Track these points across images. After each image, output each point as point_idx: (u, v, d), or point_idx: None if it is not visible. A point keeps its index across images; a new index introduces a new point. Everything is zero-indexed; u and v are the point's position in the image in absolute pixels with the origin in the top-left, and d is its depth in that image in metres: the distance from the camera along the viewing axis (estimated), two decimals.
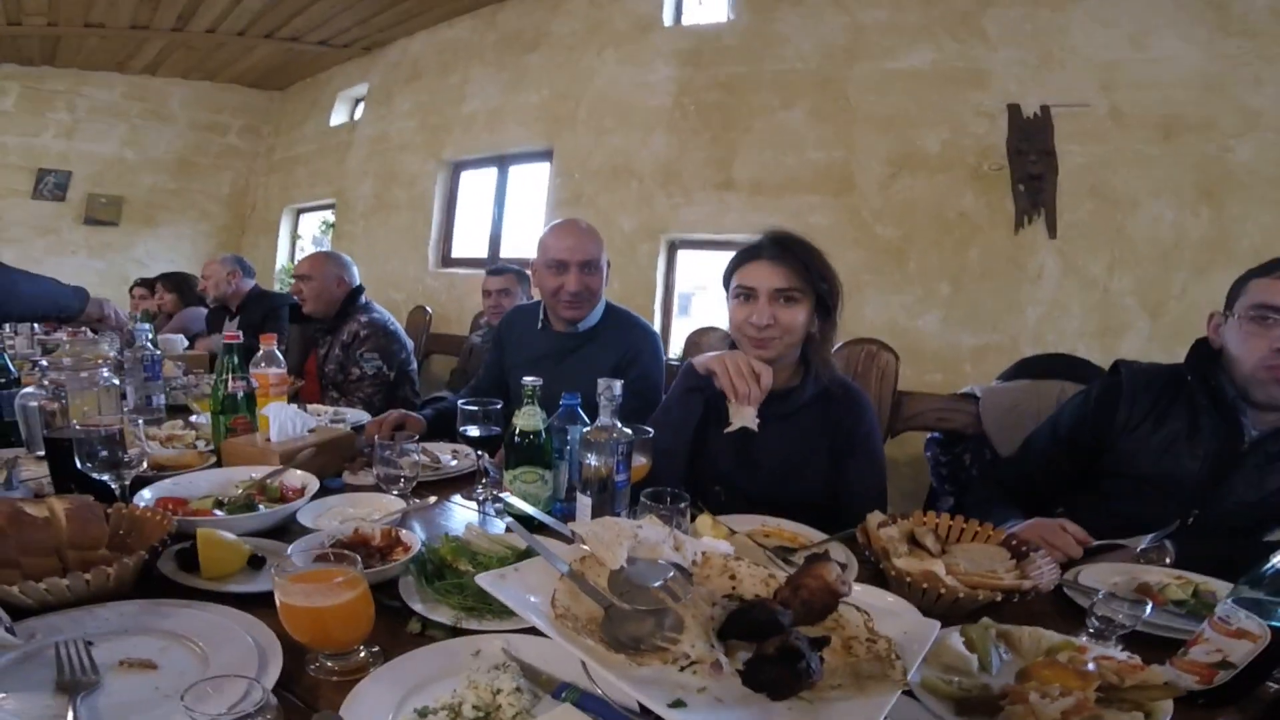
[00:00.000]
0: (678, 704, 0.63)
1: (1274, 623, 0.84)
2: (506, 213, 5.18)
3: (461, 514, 1.49)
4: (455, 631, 0.95)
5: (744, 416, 1.43)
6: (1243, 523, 1.44)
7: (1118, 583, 1.17)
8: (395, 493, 1.44)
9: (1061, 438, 1.61)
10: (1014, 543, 1.24)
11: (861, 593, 0.91)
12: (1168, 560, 1.32)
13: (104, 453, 1.23)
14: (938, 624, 0.78)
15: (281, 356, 1.85)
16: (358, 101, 6.37)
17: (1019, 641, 0.98)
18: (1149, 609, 0.98)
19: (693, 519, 1.25)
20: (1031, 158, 3.12)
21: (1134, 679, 0.84)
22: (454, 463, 1.78)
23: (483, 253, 5.23)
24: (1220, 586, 1.15)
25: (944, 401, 2.17)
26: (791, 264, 1.48)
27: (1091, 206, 3.07)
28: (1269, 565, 0.87)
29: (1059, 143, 3.10)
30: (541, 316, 2.14)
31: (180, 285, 4.56)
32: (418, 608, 1.00)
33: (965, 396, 2.11)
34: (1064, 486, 1.62)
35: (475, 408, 1.47)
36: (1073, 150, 3.09)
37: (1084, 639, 0.98)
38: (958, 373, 3.22)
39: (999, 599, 1.05)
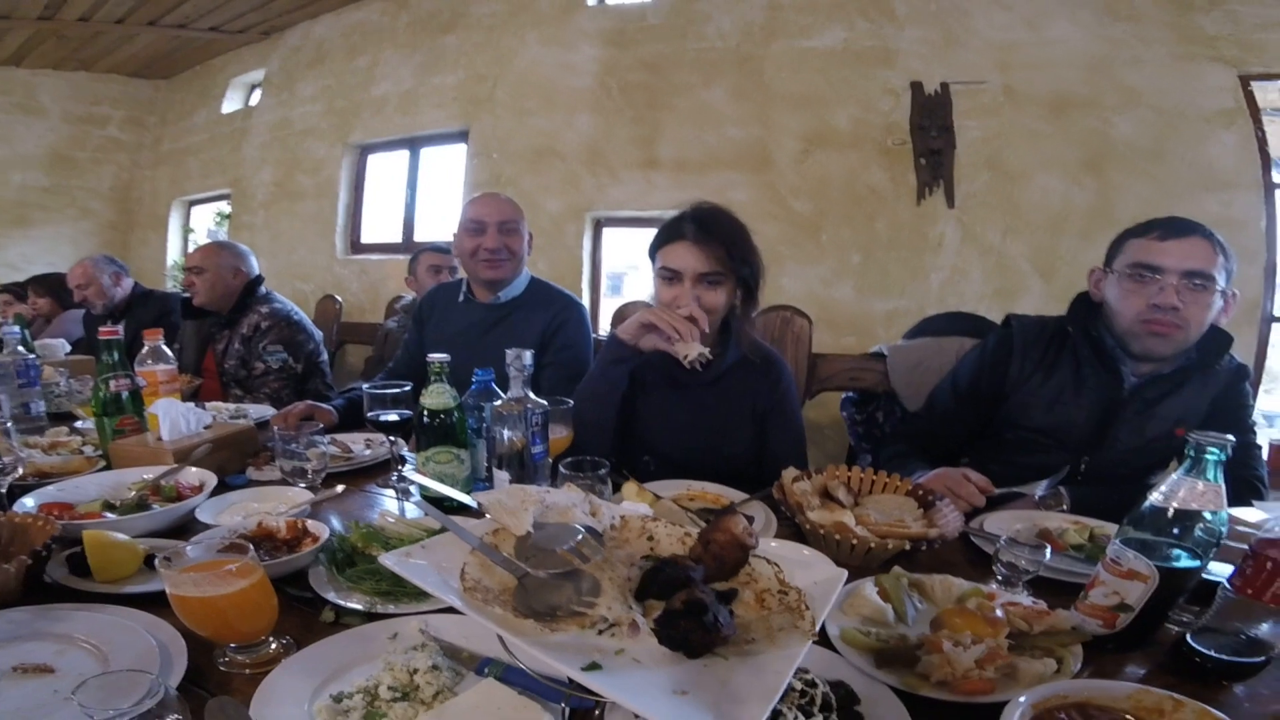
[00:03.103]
0: (593, 667, 0.61)
1: (1160, 562, 0.88)
2: (420, 196, 5.03)
3: (380, 504, 1.44)
4: (370, 617, 0.93)
5: (693, 349, 1.43)
6: (1130, 468, 1.55)
7: (1019, 529, 1.23)
8: (303, 485, 1.38)
9: (961, 392, 1.70)
10: (921, 493, 1.30)
11: (778, 547, 0.93)
12: (1064, 506, 1.41)
13: None
14: (845, 573, 0.79)
15: (171, 352, 1.72)
16: (254, 88, 6.00)
17: (931, 590, 1.03)
18: (1048, 553, 1.03)
19: (617, 488, 1.25)
20: (932, 133, 3.27)
21: (1042, 624, 0.89)
22: (367, 452, 1.71)
23: (396, 237, 5.06)
24: (1114, 531, 1.22)
25: (855, 362, 2.26)
26: (714, 248, 1.49)
27: (987, 178, 3.25)
28: (1147, 504, 0.91)
29: (957, 118, 3.27)
30: (465, 290, 2.11)
31: (55, 288, 4.14)
32: (330, 597, 0.97)
33: (874, 356, 2.20)
34: (966, 438, 1.71)
35: (383, 391, 1.42)
36: (970, 125, 3.26)
37: (993, 586, 1.03)
38: (871, 337, 3.36)
39: (908, 548, 1.10)
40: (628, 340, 1.52)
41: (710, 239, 1.49)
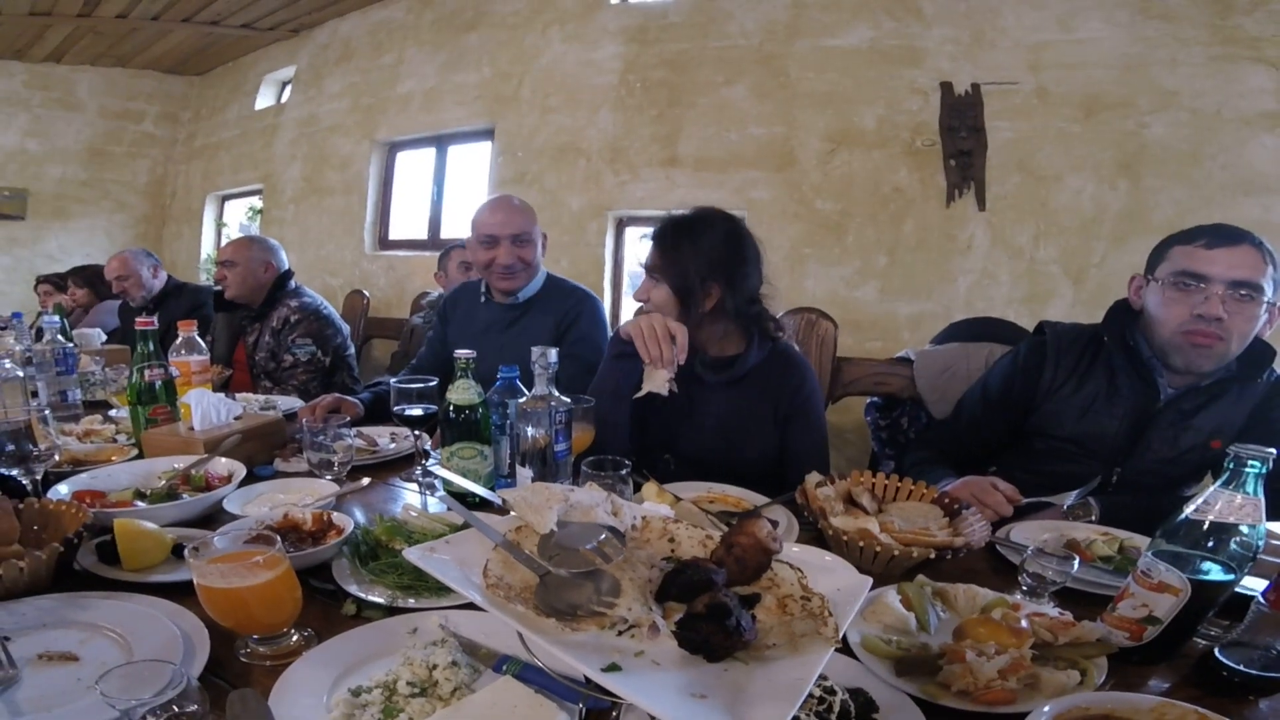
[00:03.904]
0: (612, 668, 0.61)
1: (1192, 575, 0.86)
2: (447, 193, 5.06)
3: (403, 497, 1.46)
4: (391, 611, 0.94)
5: (655, 380, 1.44)
6: (1162, 480, 1.51)
7: (1047, 539, 1.19)
8: (329, 478, 1.40)
9: (991, 399, 1.67)
10: (947, 501, 1.28)
11: (800, 553, 0.92)
12: (1093, 517, 1.37)
13: (10, 446, 1.20)
14: (869, 580, 0.78)
15: (204, 344, 1.76)
16: (284, 85, 6.10)
17: (955, 599, 1.01)
18: (1076, 564, 1.01)
19: (638, 488, 1.25)
20: (962, 134, 3.21)
21: (1067, 636, 0.87)
22: (392, 445, 1.73)
23: (423, 234, 5.11)
24: (1144, 543, 1.19)
25: (881, 366, 2.23)
26: (653, 246, 1.61)
27: (1018, 180, 3.19)
28: (1182, 516, 0.89)
29: (988, 119, 3.21)
30: (484, 290, 2.17)
31: (92, 279, 4.26)
32: (352, 589, 0.98)
33: (900, 361, 2.17)
34: (994, 446, 1.67)
35: (410, 386, 1.43)
36: (1001, 126, 3.20)
37: (1018, 596, 1.01)
38: (896, 340, 3.31)
39: (933, 556, 1.08)
40: (624, 336, 1.54)
41: (657, 240, 1.62)
